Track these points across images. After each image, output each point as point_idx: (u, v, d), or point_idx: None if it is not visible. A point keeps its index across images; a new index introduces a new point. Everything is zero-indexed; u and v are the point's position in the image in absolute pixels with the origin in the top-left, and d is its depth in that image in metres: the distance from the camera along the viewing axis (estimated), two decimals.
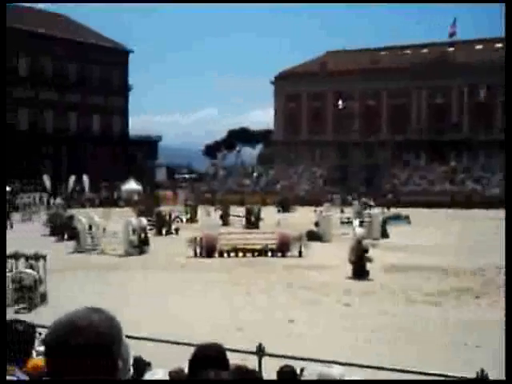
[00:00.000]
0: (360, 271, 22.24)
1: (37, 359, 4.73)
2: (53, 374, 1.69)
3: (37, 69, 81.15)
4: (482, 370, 6.32)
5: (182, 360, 6.06)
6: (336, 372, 4.11)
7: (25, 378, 3.24)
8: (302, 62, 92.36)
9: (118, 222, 31.79)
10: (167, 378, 3.86)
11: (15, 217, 44.28)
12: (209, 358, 3.19)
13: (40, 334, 7.64)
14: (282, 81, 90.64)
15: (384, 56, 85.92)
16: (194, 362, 3.25)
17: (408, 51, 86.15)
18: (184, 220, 42.96)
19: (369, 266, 22.56)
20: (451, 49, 79.92)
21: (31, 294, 18.68)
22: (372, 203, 49.07)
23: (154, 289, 19.91)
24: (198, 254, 28.27)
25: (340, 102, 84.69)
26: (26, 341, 3.45)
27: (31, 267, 19.35)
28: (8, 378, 3.10)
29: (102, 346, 1.70)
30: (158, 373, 3.80)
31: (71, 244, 30.90)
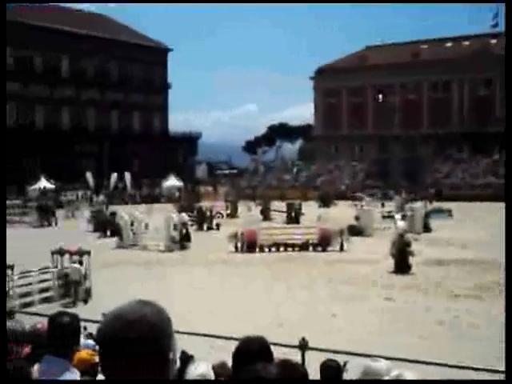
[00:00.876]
0: (402, 265, 22.05)
1: (83, 352, 4.80)
2: (106, 368, 1.69)
3: (79, 69, 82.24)
4: None
5: (223, 353, 6.09)
6: (383, 366, 4.07)
7: (75, 371, 3.29)
8: (341, 57, 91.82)
9: (159, 218, 32.01)
10: (210, 371, 3.87)
11: (59, 214, 44.95)
12: (253, 351, 3.17)
13: (85, 328, 7.76)
14: (322, 76, 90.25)
15: (424, 49, 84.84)
16: (237, 355, 3.24)
17: (449, 44, 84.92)
18: (225, 215, 43.09)
19: (411, 259, 22.36)
20: (493, 40, 78.54)
21: (76, 289, 19.04)
22: (413, 197, 48.57)
23: (194, 284, 20.04)
24: (239, 249, 28.35)
25: (380, 96, 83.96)
26: (72, 334, 3.49)
27: (80, 263, 19.73)
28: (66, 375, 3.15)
29: (154, 339, 1.70)
30: (202, 366, 3.81)
31: (114, 240, 31.26)
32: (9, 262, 17.66)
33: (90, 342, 6.48)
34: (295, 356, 7.07)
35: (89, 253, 19.89)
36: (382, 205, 47.37)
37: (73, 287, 18.96)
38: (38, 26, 75.32)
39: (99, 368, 5.26)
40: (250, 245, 28.36)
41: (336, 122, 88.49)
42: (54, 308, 15.53)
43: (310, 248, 28.45)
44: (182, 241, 29.63)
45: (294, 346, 7.35)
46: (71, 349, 3.43)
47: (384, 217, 39.30)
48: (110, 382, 1.70)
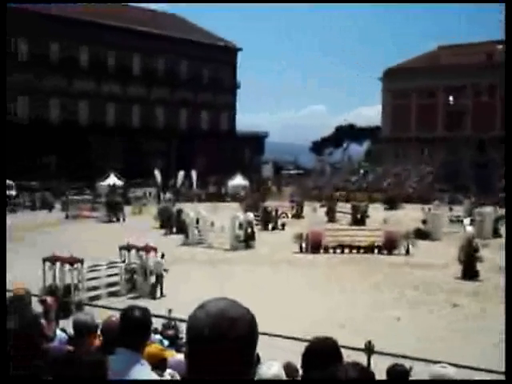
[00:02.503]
0: (470, 271, 21.59)
1: (153, 347, 4.88)
2: (198, 365, 1.67)
3: (150, 68, 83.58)
4: None
5: (286, 353, 6.09)
6: (451, 372, 3.99)
7: (146, 364, 3.35)
8: (412, 58, 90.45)
9: (224, 216, 32.22)
10: (282, 371, 3.87)
11: (127, 210, 45.75)
12: (323, 352, 3.16)
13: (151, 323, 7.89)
14: (391, 77, 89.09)
15: (499, 50, 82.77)
16: (308, 355, 3.23)
17: None
18: (290, 216, 43.01)
19: (479, 265, 21.86)
20: None
21: (160, 282, 19.54)
22: (483, 202, 47.43)
23: (258, 283, 20.11)
24: (304, 250, 28.30)
25: (451, 98, 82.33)
26: (144, 328, 3.55)
27: (162, 256, 20.23)
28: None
29: (252, 338, 1.69)
30: (274, 366, 3.81)
31: (180, 237, 31.63)
32: (79, 255, 18.16)
33: (157, 336, 6.61)
34: (356, 359, 7.02)
35: (155, 249, 20.23)
36: (450, 209, 46.48)
37: (152, 280, 19.63)
38: (111, 25, 76.90)
39: (167, 363, 5.36)
40: (314, 246, 28.28)
41: (404, 124, 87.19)
42: (120, 302, 15.84)
43: (375, 250, 28.18)
44: (247, 240, 29.76)
45: (360, 349, 7.29)
46: (142, 342, 3.49)
47: (452, 221, 38.54)
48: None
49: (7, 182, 56.45)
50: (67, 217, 44.26)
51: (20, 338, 1.53)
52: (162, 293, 19.42)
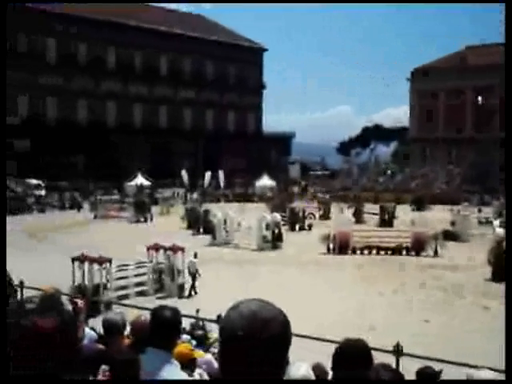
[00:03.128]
0: (500, 273, 21.31)
1: (182, 346, 4.89)
2: (230, 365, 1.67)
3: (176, 68, 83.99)
4: None
5: (315, 355, 6.07)
6: (488, 375, 3.93)
7: (176, 363, 3.37)
8: (440, 58, 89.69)
9: (251, 217, 32.23)
10: (311, 371, 3.86)
11: (154, 210, 45.98)
12: (354, 353, 3.15)
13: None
14: (418, 77, 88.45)
15: None
16: (338, 357, 3.22)
17: None
18: (317, 216, 42.90)
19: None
20: None
21: (193, 281, 19.87)
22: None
23: (285, 283, 20.07)
24: (331, 251, 28.21)
25: (479, 98, 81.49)
26: (174, 327, 3.57)
27: (195, 256, 20.67)
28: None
29: (285, 339, 1.69)
30: (303, 366, 3.81)
31: (207, 238, 31.71)
32: (107, 255, 18.29)
33: (186, 336, 6.62)
34: (384, 361, 6.97)
35: (183, 249, 20.30)
36: (479, 210, 45.99)
37: (180, 280, 19.86)
38: (138, 26, 77.43)
39: (196, 362, 5.37)
40: (342, 246, 28.18)
41: (432, 125, 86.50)
42: (147, 302, 15.92)
43: (403, 252, 28.00)
44: (274, 240, 29.74)
45: (387, 351, 7.23)
46: (172, 342, 3.51)
47: (481, 222, 38.14)
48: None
49: (37, 181, 57.15)
50: (96, 217, 44.62)
51: (57, 336, 1.54)
52: (195, 292, 19.63)
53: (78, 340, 1.74)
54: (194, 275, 19.98)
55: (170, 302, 17.10)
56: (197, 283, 19.88)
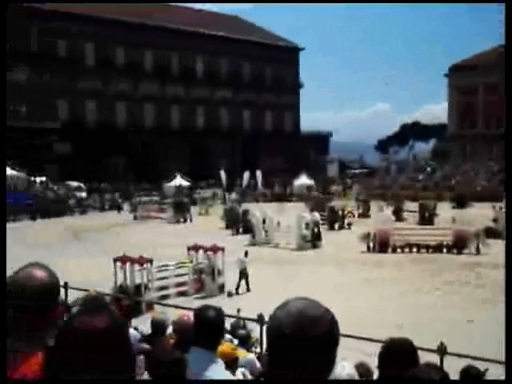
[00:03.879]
0: None
1: (225, 345, 4.92)
2: (279, 364, 1.65)
3: (213, 69, 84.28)
4: None
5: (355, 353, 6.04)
6: None
7: (221, 363, 3.39)
8: (477, 54, 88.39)
9: (290, 216, 32.19)
10: (354, 371, 3.86)
11: (193, 211, 46.23)
12: (401, 353, 3.14)
13: None
14: (457, 73, 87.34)
15: None
16: (385, 356, 3.20)
17: None
18: (356, 215, 42.67)
19: None
20: None
21: (242, 278, 20.10)
22: None
23: (324, 282, 20.01)
24: (371, 249, 28.04)
25: None
26: (217, 327, 3.59)
27: (245, 254, 21.20)
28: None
29: (334, 337, 1.68)
30: (348, 365, 3.80)
31: (246, 237, 31.76)
32: (148, 255, 18.46)
33: (228, 335, 6.65)
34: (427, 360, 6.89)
35: (222, 249, 20.38)
36: None
37: (221, 280, 20.05)
38: (174, 28, 77.89)
39: (237, 361, 5.39)
40: (382, 245, 27.99)
41: (471, 121, 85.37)
42: (187, 302, 16.02)
43: (444, 250, 27.67)
44: (314, 240, 29.66)
45: (431, 351, 7.16)
46: (216, 342, 3.53)
47: None
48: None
49: (78, 184, 57.95)
50: (135, 218, 45.07)
51: (110, 336, 1.55)
52: (248, 288, 19.92)
53: (129, 340, 1.75)
54: (241, 273, 20.20)
55: (212, 302, 17.22)
56: (242, 282, 20.03)
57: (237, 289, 19.83)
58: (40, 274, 2.27)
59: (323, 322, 1.66)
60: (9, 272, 2.39)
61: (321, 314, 1.68)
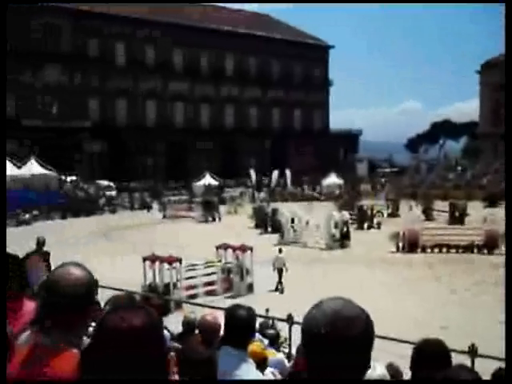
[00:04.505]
0: None
1: (255, 345, 4.93)
2: (316, 365, 1.65)
3: (242, 68, 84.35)
4: None
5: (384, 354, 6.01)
6: None
7: (251, 362, 3.40)
8: None
9: (319, 215, 32.12)
10: (385, 372, 3.84)
11: (222, 210, 46.33)
12: (434, 353, 3.12)
13: None
14: (489, 70, 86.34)
15: None
16: (418, 357, 3.19)
17: None
18: (385, 214, 42.43)
19: None
20: None
21: (281, 276, 20.26)
22: None
23: (353, 282, 19.92)
24: (401, 249, 27.87)
25: None
26: (248, 326, 3.60)
27: (279, 251, 21.38)
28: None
29: (369, 338, 1.68)
30: (379, 366, 3.78)
31: (275, 236, 31.73)
32: (176, 254, 18.54)
33: (258, 335, 6.66)
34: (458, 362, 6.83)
35: (251, 249, 20.39)
36: None
37: (249, 280, 20.12)
38: (203, 27, 78.11)
39: (266, 362, 5.39)
40: (411, 245, 27.78)
41: (503, 118, 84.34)
42: (215, 301, 16.07)
43: (475, 250, 27.38)
44: (343, 239, 29.57)
45: (462, 352, 7.10)
46: (247, 341, 3.55)
47: None
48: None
49: (108, 183, 58.46)
50: (164, 217, 45.33)
51: (147, 334, 1.57)
52: (282, 287, 19.99)
53: (164, 339, 1.76)
54: (280, 270, 20.34)
55: (240, 301, 17.24)
56: (283, 279, 20.21)
57: (277, 286, 20.02)
58: (77, 272, 2.31)
59: (359, 322, 1.66)
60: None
61: (356, 314, 1.68)
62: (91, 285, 2.36)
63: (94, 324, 3.29)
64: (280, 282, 20.11)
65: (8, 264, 3.58)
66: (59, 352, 2.22)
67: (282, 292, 19.71)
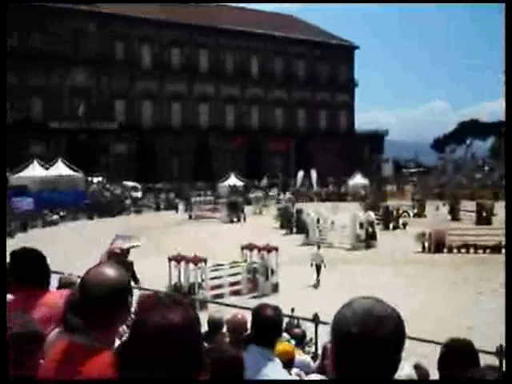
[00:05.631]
0: None
1: (284, 344, 4.95)
2: (344, 365, 1.64)
3: (267, 69, 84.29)
4: None
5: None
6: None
7: (278, 361, 3.43)
8: None
9: (344, 216, 32.01)
10: (413, 372, 3.84)
11: (247, 210, 46.35)
12: (462, 353, 3.12)
13: None
14: None
15: None
16: (446, 357, 3.19)
17: None
18: (411, 215, 42.19)
19: None
20: None
21: (318, 273, 20.88)
22: None
23: (381, 283, 19.84)
24: (427, 250, 27.68)
25: None
26: (275, 326, 3.63)
27: (318, 247, 22.35)
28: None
29: (399, 338, 1.67)
30: (406, 366, 3.78)
31: (300, 237, 31.71)
32: (202, 255, 18.62)
33: (285, 335, 6.68)
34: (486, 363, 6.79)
35: (276, 249, 20.40)
36: None
37: (275, 279, 20.26)
38: (227, 29, 78.27)
39: (294, 361, 5.40)
40: (437, 245, 27.59)
41: None
42: (240, 300, 16.09)
43: (502, 250, 27.08)
44: (368, 239, 29.45)
45: (490, 353, 7.06)
46: (274, 340, 3.57)
47: None
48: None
49: (134, 184, 58.85)
50: (190, 217, 45.52)
51: (187, 331, 1.60)
52: (318, 283, 20.54)
53: (201, 336, 1.78)
54: (319, 267, 20.82)
55: (266, 301, 17.25)
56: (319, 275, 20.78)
57: (317, 283, 20.49)
58: (110, 273, 2.35)
59: (389, 321, 1.65)
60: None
61: (387, 313, 1.67)
62: (124, 285, 2.40)
63: (124, 326, 3.35)
64: (318, 279, 20.57)
65: (12, 262, 3.67)
66: (94, 351, 2.26)
67: (316, 287, 20.23)
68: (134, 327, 1.74)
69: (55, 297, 3.48)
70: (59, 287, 4.70)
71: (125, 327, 3.51)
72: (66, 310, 2.83)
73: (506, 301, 4.48)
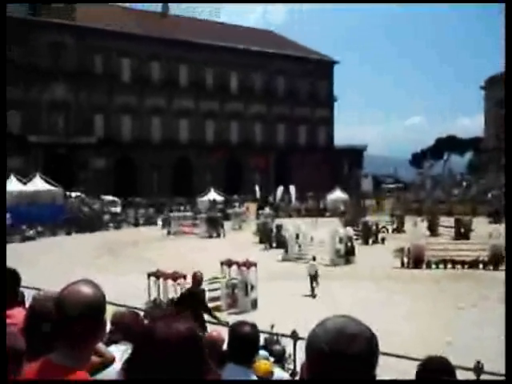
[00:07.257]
0: None
1: (264, 363, 4.89)
2: (322, 381, 1.63)
3: (247, 84, 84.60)
4: None
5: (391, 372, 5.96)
6: None
7: (257, 379, 3.38)
8: None
9: (324, 231, 32.06)
10: None
11: (227, 226, 46.28)
12: (439, 370, 3.10)
13: None
14: (494, 85, 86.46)
15: None
16: (422, 374, 3.17)
17: None
18: (390, 230, 42.38)
19: None
20: None
21: (316, 281, 21.41)
22: None
23: (361, 299, 19.85)
24: (405, 265, 27.76)
25: None
26: (252, 343, 3.58)
27: (313, 259, 22.70)
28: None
29: (371, 356, 1.66)
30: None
31: (279, 252, 31.68)
32: (183, 271, 18.49)
33: (263, 351, 6.61)
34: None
35: (255, 265, 20.33)
36: None
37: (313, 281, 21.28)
38: (207, 44, 78.54)
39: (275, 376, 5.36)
40: (416, 260, 27.68)
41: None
42: (223, 317, 16.00)
43: (480, 266, 27.27)
44: (347, 255, 29.50)
45: (469, 369, 7.05)
46: (252, 357, 3.52)
47: None
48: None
49: (113, 198, 58.52)
50: (169, 233, 45.30)
51: (191, 341, 1.63)
52: (313, 294, 20.88)
53: (204, 347, 1.80)
54: (313, 277, 21.25)
55: (242, 319, 17.15)
56: (315, 286, 21.19)
57: (312, 293, 20.76)
58: (86, 290, 2.30)
59: (361, 339, 1.64)
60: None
61: (359, 331, 1.66)
62: (100, 303, 2.36)
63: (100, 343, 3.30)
64: (313, 289, 20.90)
65: (9, 274, 3.62)
66: (67, 371, 2.22)
67: (314, 297, 20.53)
68: (141, 337, 1.76)
69: (21, 314, 3.45)
70: (33, 304, 4.63)
71: (101, 344, 3.45)
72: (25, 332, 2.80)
73: (506, 303, 4.47)
